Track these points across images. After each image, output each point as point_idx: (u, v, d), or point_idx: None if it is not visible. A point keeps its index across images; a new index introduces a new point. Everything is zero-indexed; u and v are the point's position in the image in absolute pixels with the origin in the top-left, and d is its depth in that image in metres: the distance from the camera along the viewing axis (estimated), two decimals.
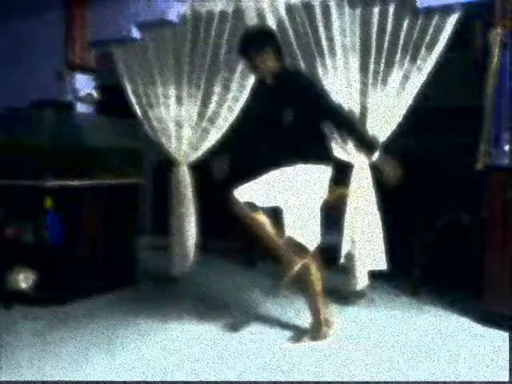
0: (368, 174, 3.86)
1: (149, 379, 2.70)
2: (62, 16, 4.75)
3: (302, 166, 3.02)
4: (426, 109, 4.35)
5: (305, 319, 3.40)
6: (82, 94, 4.70)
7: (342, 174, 3.97)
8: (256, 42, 3.17)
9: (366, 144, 3.13)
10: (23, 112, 4.19)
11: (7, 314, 3.71)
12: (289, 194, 3.03)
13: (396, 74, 3.74)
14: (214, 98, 4.34)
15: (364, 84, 3.82)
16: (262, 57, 3.11)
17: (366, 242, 3.87)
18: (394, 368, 2.82)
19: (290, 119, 3.01)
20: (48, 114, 4.04)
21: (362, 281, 3.90)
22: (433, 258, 4.26)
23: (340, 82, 3.87)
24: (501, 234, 3.38)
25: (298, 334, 3.27)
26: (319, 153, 3.11)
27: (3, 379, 2.67)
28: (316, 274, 3.17)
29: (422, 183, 4.87)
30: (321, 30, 3.86)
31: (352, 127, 3.15)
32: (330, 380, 2.70)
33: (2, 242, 4.03)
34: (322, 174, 3.08)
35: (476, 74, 3.64)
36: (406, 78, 3.73)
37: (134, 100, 4.64)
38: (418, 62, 3.67)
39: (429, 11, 3.59)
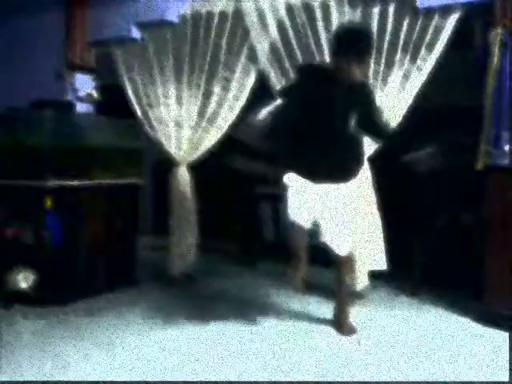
0: (368, 173, 3.86)
1: (149, 379, 2.69)
2: (62, 16, 4.75)
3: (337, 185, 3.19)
4: (426, 109, 4.35)
5: (304, 319, 3.41)
6: (82, 93, 4.71)
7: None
8: (369, 45, 3.10)
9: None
10: (23, 112, 4.18)
11: (7, 313, 3.71)
12: (327, 212, 3.23)
13: (396, 74, 3.74)
14: (214, 98, 4.34)
15: None
16: (364, 62, 3.06)
17: (365, 242, 3.86)
18: (393, 368, 2.82)
19: (348, 127, 3.09)
20: (48, 114, 4.03)
21: (362, 281, 3.90)
22: (433, 258, 4.26)
23: None
24: (501, 234, 3.38)
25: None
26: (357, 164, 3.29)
27: (3, 379, 2.67)
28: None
29: (422, 183, 4.87)
30: (321, 30, 3.86)
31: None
32: (330, 380, 2.70)
33: (2, 242, 4.03)
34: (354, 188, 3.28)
35: (476, 74, 3.63)
36: (405, 77, 3.73)
37: (134, 100, 4.64)
38: (418, 61, 3.67)
39: (429, 11, 3.60)
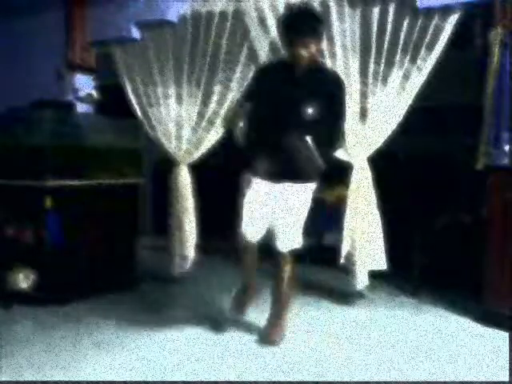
0: (368, 173, 3.86)
1: (149, 379, 2.70)
2: (62, 16, 4.75)
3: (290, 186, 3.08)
4: (426, 109, 4.36)
5: (304, 319, 3.41)
6: (82, 93, 4.70)
7: (342, 173, 3.99)
8: (316, 24, 2.97)
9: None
10: (23, 112, 4.18)
11: (7, 313, 3.71)
12: (278, 209, 3.15)
13: (396, 74, 3.74)
14: (214, 98, 4.34)
15: (364, 84, 3.82)
16: (307, 42, 2.91)
17: (365, 241, 3.86)
18: (394, 368, 2.82)
19: (308, 113, 2.96)
20: (48, 114, 4.03)
21: (362, 281, 3.90)
22: (433, 258, 4.26)
23: None
24: (501, 233, 3.38)
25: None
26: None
27: (3, 379, 2.67)
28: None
29: (422, 183, 4.88)
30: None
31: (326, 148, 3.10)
32: (330, 380, 2.70)
33: (2, 241, 4.03)
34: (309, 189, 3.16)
35: (476, 74, 3.64)
36: (405, 77, 3.72)
37: (134, 100, 4.64)
38: (418, 61, 3.67)
39: (429, 11, 3.59)
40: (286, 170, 3.07)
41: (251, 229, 3.18)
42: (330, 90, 3.06)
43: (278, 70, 3.13)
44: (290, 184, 3.09)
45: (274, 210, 3.15)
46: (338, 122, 3.15)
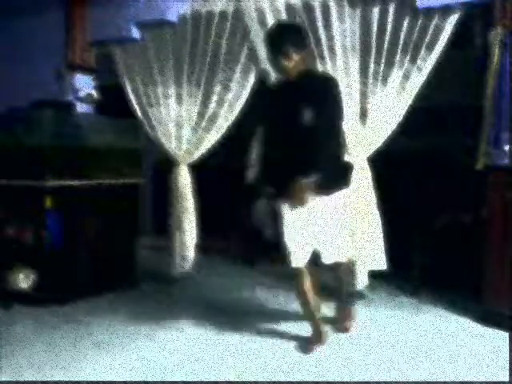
0: (368, 173, 3.86)
1: (149, 379, 2.70)
2: (62, 16, 4.75)
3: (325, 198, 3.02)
4: (426, 109, 4.36)
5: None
6: (82, 93, 4.70)
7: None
8: (293, 34, 3.10)
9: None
10: (23, 112, 4.18)
11: (7, 313, 3.71)
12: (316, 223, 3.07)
13: (396, 74, 3.74)
14: (214, 98, 4.34)
15: (364, 84, 3.82)
16: (296, 52, 3.01)
17: (365, 241, 3.86)
18: (394, 368, 2.82)
19: (308, 121, 2.94)
20: (48, 114, 4.04)
21: (361, 281, 3.90)
22: (433, 258, 4.26)
23: (340, 82, 3.85)
24: (501, 234, 3.38)
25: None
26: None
27: (3, 379, 2.67)
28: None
29: (422, 183, 4.87)
30: (321, 30, 3.86)
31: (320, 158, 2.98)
32: (330, 380, 2.70)
33: (2, 241, 4.03)
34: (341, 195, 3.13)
35: (476, 74, 3.63)
36: (405, 77, 3.72)
37: (134, 100, 4.64)
38: (418, 61, 3.67)
39: (429, 11, 3.59)
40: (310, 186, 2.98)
41: (298, 254, 3.07)
42: (323, 92, 3.04)
43: (275, 90, 3.28)
44: (318, 199, 3.02)
45: (313, 227, 3.06)
46: (337, 121, 3.10)
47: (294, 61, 3.02)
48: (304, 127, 2.95)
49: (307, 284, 3.11)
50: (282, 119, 3.07)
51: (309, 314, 3.18)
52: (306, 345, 3.09)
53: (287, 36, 3.07)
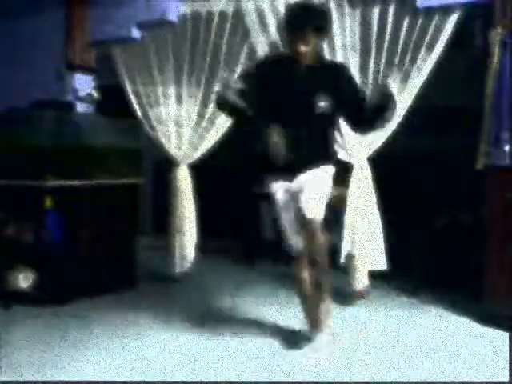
0: (368, 173, 3.86)
1: (149, 379, 2.69)
2: (62, 16, 4.74)
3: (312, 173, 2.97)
4: (426, 109, 4.36)
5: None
6: (82, 93, 4.70)
7: (341, 174, 3.98)
8: (317, 18, 2.90)
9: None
10: (23, 112, 4.19)
11: (7, 313, 3.71)
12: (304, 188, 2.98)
13: (396, 74, 3.74)
14: (214, 98, 4.34)
15: (364, 84, 3.82)
16: (306, 37, 2.84)
17: (366, 241, 3.87)
18: (394, 368, 2.82)
19: (322, 106, 2.90)
20: (48, 114, 4.04)
21: (361, 281, 3.90)
22: (433, 258, 4.26)
23: None
24: (501, 233, 3.38)
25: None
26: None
27: (3, 379, 2.67)
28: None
29: (422, 183, 4.88)
30: None
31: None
32: (330, 380, 2.70)
33: (2, 241, 4.03)
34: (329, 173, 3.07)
35: (476, 74, 3.63)
36: (405, 77, 3.73)
37: (133, 100, 4.64)
38: (418, 61, 3.67)
39: (429, 11, 3.60)
40: (305, 161, 2.96)
41: (297, 237, 3.03)
42: (338, 77, 3.00)
43: (283, 64, 3.04)
44: (308, 171, 2.97)
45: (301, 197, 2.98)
46: (363, 96, 3.12)
47: (311, 45, 2.89)
48: (314, 111, 2.91)
49: (304, 273, 3.09)
50: (290, 97, 2.96)
51: (303, 303, 3.15)
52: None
53: (310, 20, 2.88)
